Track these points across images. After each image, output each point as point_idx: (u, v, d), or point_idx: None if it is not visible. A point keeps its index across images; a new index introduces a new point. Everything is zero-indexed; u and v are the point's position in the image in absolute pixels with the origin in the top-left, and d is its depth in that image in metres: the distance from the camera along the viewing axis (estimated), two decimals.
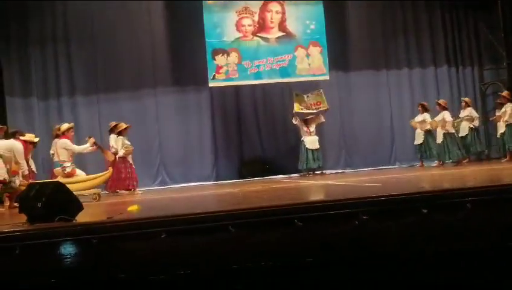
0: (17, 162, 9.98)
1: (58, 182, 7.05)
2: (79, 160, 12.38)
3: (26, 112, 14.00)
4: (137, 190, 12.80)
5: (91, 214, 7.11)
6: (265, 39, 15.32)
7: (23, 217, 6.34)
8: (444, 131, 14.10)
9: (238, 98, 15.54)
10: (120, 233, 5.53)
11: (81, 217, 6.27)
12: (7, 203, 9.91)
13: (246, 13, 15.22)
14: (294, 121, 14.77)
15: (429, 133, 14.46)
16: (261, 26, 15.32)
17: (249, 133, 15.56)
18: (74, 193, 9.69)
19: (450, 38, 16.61)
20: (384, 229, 5.76)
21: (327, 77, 15.53)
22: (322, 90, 15.00)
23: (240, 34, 15.17)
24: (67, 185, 9.79)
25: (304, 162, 14.67)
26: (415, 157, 15.18)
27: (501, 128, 14.17)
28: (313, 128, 14.80)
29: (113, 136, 12.82)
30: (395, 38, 16.35)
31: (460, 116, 14.85)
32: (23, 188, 8.28)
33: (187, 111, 15.08)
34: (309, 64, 15.43)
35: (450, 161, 14.24)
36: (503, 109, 14.18)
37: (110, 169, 11.92)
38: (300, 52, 15.38)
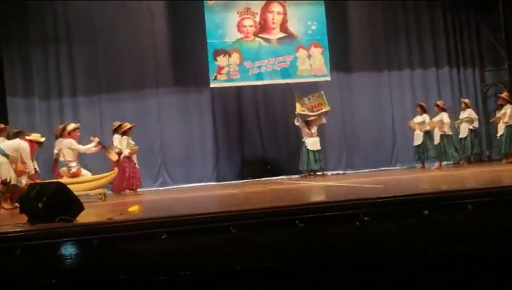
0: (23, 162, 9.99)
1: (59, 183, 7.05)
2: (81, 160, 12.37)
3: (27, 112, 14.01)
4: (138, 190, 12.81)
5: (92, 215, 7.10)
6: (267, 40, 15.32)
7: (24, 218, 6.34)
8: (441, 132, 14.09)
9: (239, 99, 15.54)
10: (121, 234, 5.53)
11: (82, 218, 6.26)
12: (8, 204, 9.90)
13: (247, 14, 15.23)
14: (296, 123, 14.75)
15: (428, 135, 14.43)
16: (263, 27, 15.33)
17: (251, 134, 15.56)
18: (80, 193, 9.85)
19: (452, 40, 16.60)
20: (385, 231, 5.76)
21: (328, 78, 15.53)
22: (322, 92, 15.00)
23: (242, 35, 15.18)
24: (73, 185, 9.93)
25: (305, 163, 14.66)
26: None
27: (501, 129, 14.17)
28: (314, 129, 14.80)
29: (117, 136, 12.81)
30: (397, 39, 16.35)
31: (460, 117, 14.86)
32: None
33: (188, 112, 15.09)
34: (310, 65, 15.43)
35: (445, 162, 14.22)
36: (502, 111, 14.17)
37: (116, 169, 11.93)
38: (301, 53, 15.39)
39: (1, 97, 13.61)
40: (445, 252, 5.55)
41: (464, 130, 14.66)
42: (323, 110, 14.83)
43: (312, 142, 14.68)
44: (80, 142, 11.89)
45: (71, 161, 11.35)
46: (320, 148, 14.75)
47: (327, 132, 15.52)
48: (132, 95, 14.70)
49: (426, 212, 5.88)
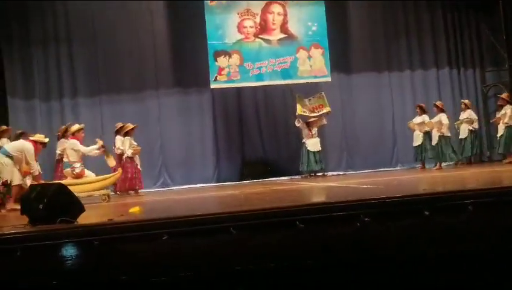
0: (27, 163, 10.02)
1: (59, 184, 7.05)
2: (83, 160, 12.37)
3: (28, 113, 14.03)
4: (139, 191, 12.82)
5: (93, 216, 7.11)
6: (267, 41, 15.33)
7: (25, 219, 6.34)
8: (439, 134, 14.08)
9: (239, 100, 15.55)
10: (121, 235, 5.53)
11: (83, 219, 6.26)
12: (8, 205, 9.91)
13: (247, 15, 15.23)
14: (297, 124, 14.75)
15: (428, 135, 14.42)
16: (263, 27, 15.34)
17: (251, 134, 15.57)
18: (84, 194, 9.90)
19: (452, 40, 16.61)
20: (385, 231, 5.76)
21: (329, 79, 15.54)
22: (323, 93, 15.00)
23: (242, 36, 15.18)
24: (77, 186, 9.96)
25: (305, 164, 14.67)
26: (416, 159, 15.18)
27: (501, 130, 14.16)
28: (315, 130, 14.80)
29: (119, 137, 12.82)
30: (397, 40, 16.36)
31: (460, 118, 14.86)
32: None
33: (189, 113, 15.10)
34: (311, 66, 15.44)
35: (445, 163, 14.22)
36: (502, 111, 14.18)
37: (120, 170, 11.97)
38: (302, 53, 15.40)
39: (1, 98, 13.63)
40: (445, 253, 5.54)
41: (463, 131, 14.67)
42: (324, 111, 14.83)
43: (312, 143, 14.68)
44: (82, 143, 11.90)
45: (75, 162, 11.35)
46: (320, 149, 14.76)
47: (327, 133, 15.52)
48: (132, 96, 14.72)
49: (427, 213, 5.88)
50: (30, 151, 10.10)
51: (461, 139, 14.72)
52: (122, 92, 14.65)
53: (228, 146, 15.37)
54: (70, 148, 11.52)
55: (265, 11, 15.40)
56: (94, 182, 11.15)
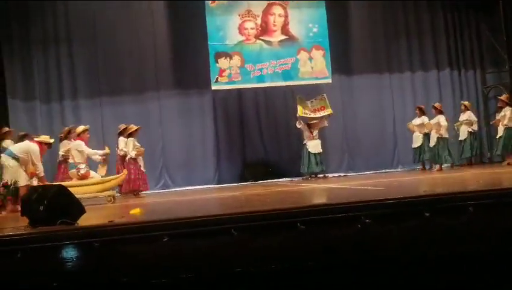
0: (33, 164, 10.04)
1: (60, 186, 7.05)
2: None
3: (28, 114, 14.04)
4: (139, 193, 12.82)
5: (93, 218, 7.11)
6: (268, 42, 15.34)
7: (25, 221, 6.34)
8: (437, 135, 14.06)
9: (240, 101, 15.55)
10: (122, 236, 5.53)
11: (83, 221, 6.26)
12: (9, 206, 9.92)
13: (248, 16, 15.24)
14: (298, 125, 14.74)
15: (427, 137, 14.39)
16: (264, 29, 15.34)
17: (252, 136, 15.57)
18: (89, 195, 9.92)
19: (452, 41, 16.61)
20: (386, 233, 5.76)
21: (330, 80, 15.54)
22: (325, 94, 15.00)
23: (243, 37, 15.20)
24: (82, 188, 9.98)
25: (306, 166, 14.65)
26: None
27: (501, 131, 14.15)
28: (316, 132, 14.79)
29: (122, 139, 12.79)
30: (398, 41, 16.37)
31: (459, 119, 14.86)
32: None
33: (190, 114, 15.09)
34: (312, 68, 15.45)
35: (437, 165, 14.22)
36: (502, 113, 14.17)
37: (125, 171, 11.98)
38: (303, 55, 15.40)
39: (2, 98, 13.63)
40: (446, 254, 5.54)
41: (463, 133, 14.68)
42: (326, 113, 14.82)
43: (313, 145, 14.66)
44: (87, 144, 11.90)
45: (80, 163, 11.37)
46: (321, 150, 14.74)
47: (328, 134, 15.52)
48: (133, 98, 14.73)
49: (427, 214, 5.88)
50: (36, 152, 10.14)
51: (460, 140, 14.71)
52: (123, 93, 14.66)
53: (229, 147, 15.37)
54: (75, 149, 11.54)
55: (266, 12, 15.40)
56: (99, 183, 11.19)
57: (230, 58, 15.02)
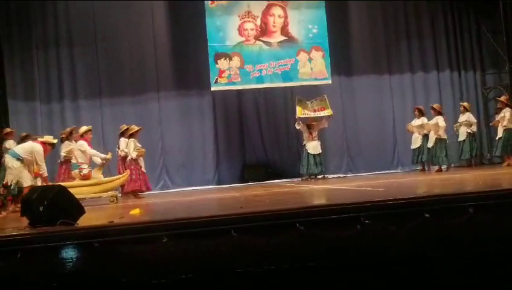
0: (37, 164, 10.07)
1: (60, 186, 7.05)
2: None
3: (28, 115, 14.04)
4: (139, 193, 12.81)
5: (93, 218, 7.11)
6: (268, 43, 15.33)
7: (25, 221, 6.34)
8: (436, 136, 14.05)
9: (240, 102, 15.56)
10: (122, 237, 5.53)
11: (83, 221, 6.26)
12: (10, 207, 9.93)
13: (248, 17, 15.23)
14: (297, 126, 14.75)
15: (426, 138, 14.36)
16: (264, 30, 15.33)
17: (251, 137, 15.57)
18: (91, 195, 9.92)
19: (452, 43, 16.59)
20: (386, 234, 5.76)
21: (329, 81, 15.52)
22: (325, 95, 15.00)
23: (243, 38, 15.18)
24: (84, 188, 9.99)
25: (305, 167, 14.65)
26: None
27: (500, 133, 14.15)
28: (315, 133, 14.79)
29: (123, 140, 12.78)
30: (398, 42, 16.36)
31: (459, 120, 14.85)
32: None
33: (189, 115, 15.10)
34: (311, 69, 15.43)
35: (434, 165, 14.21)
36: (501, 114, 14.16)
37: (128, 171, 11.98)
38: (302, 56, 15.39)
39: (2, 99, 13.63)
40: (445, 255, 5.55)
41: (462, 134, 14.67)
42: (327, 113, 14.82)
43: (313, 146, 14.66)
44: (90, 144, 11.91)
45: (83, 163, 11.40)
46: (321, 151, 14.74)
47: (328, 135, 15.52)
48: (133, 98, 14.73)
49: (427, 215, 5.88)
50: (40, 152, 10.17)
51: (460, 141, 14.71)
52: (123, 94, 14.66)
53: (229, 148, 15.37)
54: (78, 148, 11.56)
55: (265, 13, 15.39)
56: (101, 183, 11.20)
57: (230, 59, 15.01)
